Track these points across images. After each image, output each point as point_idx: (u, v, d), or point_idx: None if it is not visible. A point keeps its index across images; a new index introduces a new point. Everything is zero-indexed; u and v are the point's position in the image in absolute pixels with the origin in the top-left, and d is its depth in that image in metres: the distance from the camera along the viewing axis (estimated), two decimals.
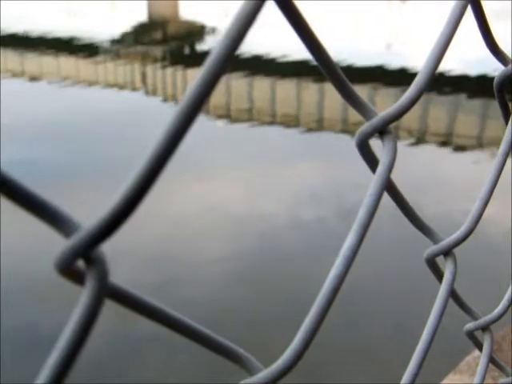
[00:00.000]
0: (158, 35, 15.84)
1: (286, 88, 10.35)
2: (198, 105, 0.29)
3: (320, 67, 0.39)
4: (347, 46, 13.39)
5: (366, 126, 0.44)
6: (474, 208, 0.58)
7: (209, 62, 0.30)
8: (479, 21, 0.56)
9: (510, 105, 0.63)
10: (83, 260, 0.29)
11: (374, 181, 0.43)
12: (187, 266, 4.70)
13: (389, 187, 0.48)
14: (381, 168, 0.44)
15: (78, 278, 0.29)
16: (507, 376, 0.82)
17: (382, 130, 0.44)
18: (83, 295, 0.29)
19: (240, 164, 6.90)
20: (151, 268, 4.72)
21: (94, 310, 0.28)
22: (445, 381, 2.83)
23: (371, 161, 0.45)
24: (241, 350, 0.38)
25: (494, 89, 0.62)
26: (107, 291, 0.29)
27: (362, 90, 10.28)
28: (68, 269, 0.29)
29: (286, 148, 7.59)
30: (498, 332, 2.95)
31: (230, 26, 0.31)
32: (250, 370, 0.39)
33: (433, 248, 0.57)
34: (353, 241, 0.41)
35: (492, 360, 0.77)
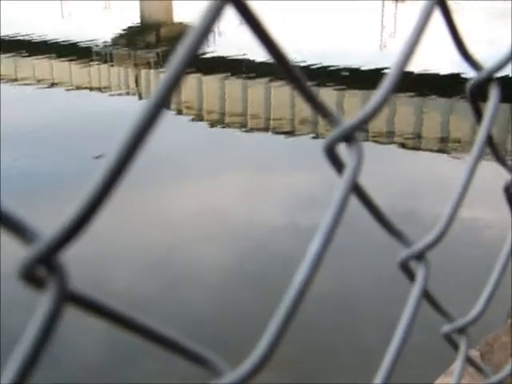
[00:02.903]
0: (152, 38, 15.84)
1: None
2: (163, 102, 0.30)
3: (284, 75, 0.40)
4: (340, 47, 13.42)
5: (333, 133, 0.45)
6: (446, 211, 0.59)
7: (174, 62, 0.31)
8: (449, 26, 0.57)
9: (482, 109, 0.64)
10: (44, 267, 0.30)
11: (339, 185, 0.44)
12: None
13: (357, 192, 0.48)
14: (347, 173, 0.45)
15: (39, 284, 0.30)
16: (486, 377, 0.83)
17: (348, 137, 0.45)
18: (43, 301, 0.29)
19: None
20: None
21: (54, 316, 0.29)
22: (437, 381, 2.84)
23: (338, 167, 0.46)
24: (207, 352, 0.39)
25: (467, 94, 0.63)
26: (68, 297, 0.30)
27: (357, 94, 10.31)
28: (29, 275, 0.30)
29: None
30: (490, 334, 2.97)
31: (193, 28, 0.32)
32: (218, 373, 0.40)
33: (405, 252, 0.58)
34: (318, 245, 0.42)
35: (470, 362, 0.78)
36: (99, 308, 0.31)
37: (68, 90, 10.85)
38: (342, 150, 0.47)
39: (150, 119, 0.30)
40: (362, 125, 0.45)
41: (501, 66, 0.62)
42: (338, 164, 0.46)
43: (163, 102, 0.30)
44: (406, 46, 0.47)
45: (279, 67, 0.39)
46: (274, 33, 0.38)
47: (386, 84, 0.46)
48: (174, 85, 0.31)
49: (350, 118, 0.45)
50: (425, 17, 0.47)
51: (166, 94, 0.30)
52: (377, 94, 0.46)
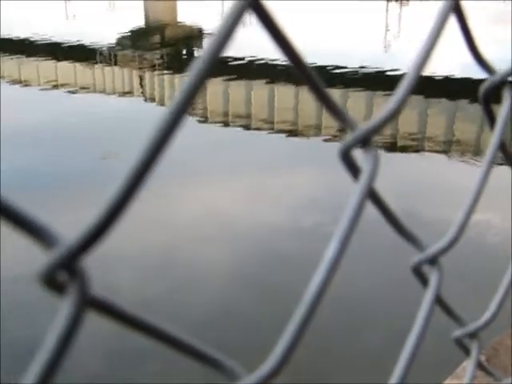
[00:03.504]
0: (156, 39, 15.85)
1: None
2: (185, 107, 0.30)
3: (300, 77, 0.40)
4: (344, 48, 13.43)
5: (348, 137, 0.45)
6: (460, 216, 0.59)
7: (196, 67, 0.31)
8: (463, 30, 0.57)
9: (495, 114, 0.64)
10: (65, 272, 0.30)
11: (356, 190, 0.44)
12: None
13: (372, 196, 0.48)
14: (363, 177, 0.44)
15: (60, 289, 0.30)
16: (496, 381, 0.83)
17: (364, 141, 0.45)
18: (64, 306, 0.29)
19: None
20: None
21: (75, 321, 0.29)
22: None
23: (354, 171, 0.46)
24: (222, 357, 0.39)
25: (480, 98, 0.63)
26: (89, 302, 0.30)
27: (359, 95, 10.31)
28: (51, 281, 0.29)
29: None
30: (495, 338, 2.96)
31: (214, 34, 0.32)
32: (233, 377, 0.40)
33: (419, 256, 0.58)
34: (335, 250, 0.42)
35: (481, 366, 0.78)
36: (120, 313, 0.31)
37: (72, 91, 10.86)
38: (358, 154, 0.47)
39: (171, 125, 0.30)
40: (379, 129, 0.44)
41: None
42: (353, 169, 0.46)
43: (185, 108, 0.30)
44: (422, 50, 0.46)
45: (297, 71, 0.39)
46: (291, 35, 0.38)
47: (402, 88, 0.46)
48: (196, 90, 0.30)
49: (365, 122, 0.45)
50: (441, 20, 0.47)
51: (188, 99, 0.30)
52: (393, 98, 0.46)
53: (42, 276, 0.29)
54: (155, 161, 0.30)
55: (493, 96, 0.63)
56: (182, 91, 0.30)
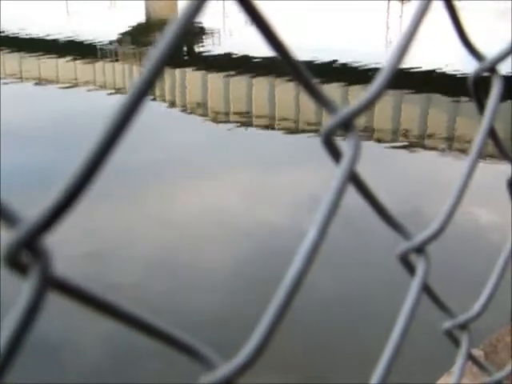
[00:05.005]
0: (157, 36, 15.84)
1: None
2: (143, 94, 0.30)
3: (283, 64, 0.39)
4: (346, 45, 13.44)
5: (330, 121, 0.44)
6: (447, 205, 0.58)
7: (154, 55, 0.31)
8: (453, 18, 0.56)
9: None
10: (28, 252, 0.29)
11: (336, 174, 0.43)
12: None
13: (356, 182, 0.47)
14: (344, 161, 0.44)
15: (23, 269, 0.29)
16: (489, 375, 0.82)
17: (346, 125, 0.44)
18: (26, 287, 0.28)
19: None
20: None
21: (36, 302, 0.28)
22: (439, 381, 2.83)
23: (336, 155, 0.45)
24: (198, 344, 0.38)
25: (470, 85, 0.62)
26: (51, 282, 0.29)
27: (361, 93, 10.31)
28: (13, 260, 0.29)
29: None
30: (493, 334, 2.95)
31: (173, 22, 0.31)
32: (209, 366, 0.39)
33: (405, 244, 0.57)
34: (314, 236, 0.41)
35: (472, 358, 0.77)
36: (84, 295, 0.30)
37: (73, 87, 10.86)
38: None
39: (130, 110, 0.30)
40: (360, 113, 0.44)
41: (503, 56, 0.60)
42: (335, 153, 0.45)
43: (143, 94, 0.30)
44: (403, 37, 0.46)
45: (280, 57, 0.38)
46: (281, 31, 0.37)
47: (383, 74, 0.45)
48: (153, 78, 0.31)
49: (346, 106, 0.44)
50: (423, 8, 0.46)
51: (146, 86, 0.30)
52: (374, 84, 0.45)
53: (5, 256, 0.28)
54: (116, 142, 0.29)
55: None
56: (140, 79, 0.30)
